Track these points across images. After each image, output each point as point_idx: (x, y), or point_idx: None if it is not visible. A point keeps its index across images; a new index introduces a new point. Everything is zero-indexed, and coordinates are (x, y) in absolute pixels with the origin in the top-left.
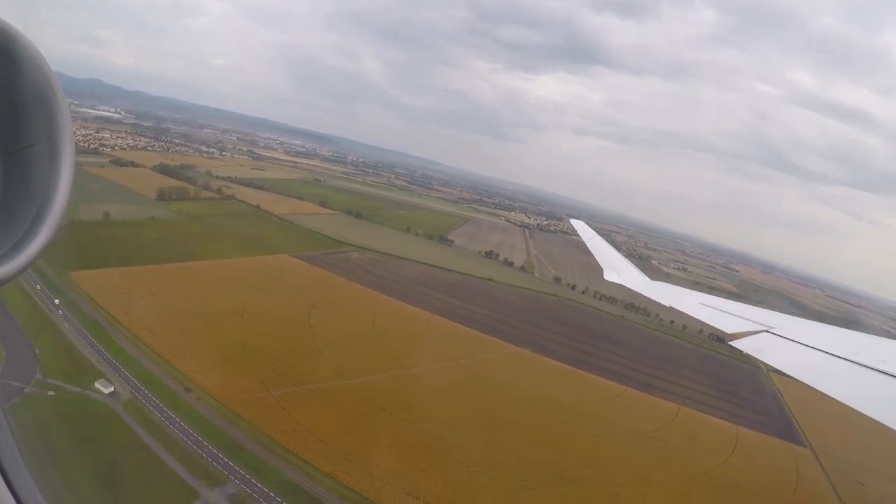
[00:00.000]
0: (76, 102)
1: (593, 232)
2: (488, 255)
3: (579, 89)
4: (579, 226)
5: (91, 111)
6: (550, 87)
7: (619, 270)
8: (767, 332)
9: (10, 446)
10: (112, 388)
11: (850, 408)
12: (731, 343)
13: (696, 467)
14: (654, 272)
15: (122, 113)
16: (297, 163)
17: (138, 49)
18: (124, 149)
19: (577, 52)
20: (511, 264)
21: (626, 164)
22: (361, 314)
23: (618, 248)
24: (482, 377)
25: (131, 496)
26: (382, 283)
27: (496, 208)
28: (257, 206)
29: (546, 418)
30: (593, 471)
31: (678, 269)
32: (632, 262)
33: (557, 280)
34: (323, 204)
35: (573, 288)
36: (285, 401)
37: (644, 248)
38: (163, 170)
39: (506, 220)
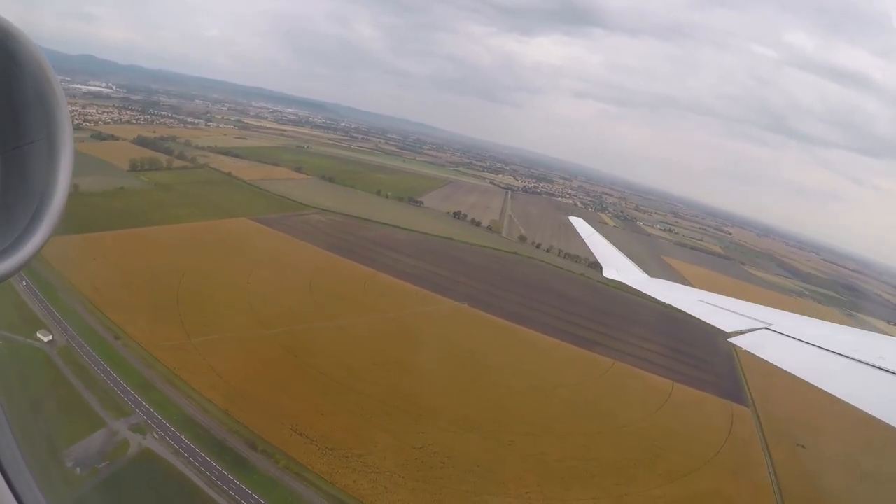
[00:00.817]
0: (68, 79)
1: (592, 229)
2: (456, 215)
3: (577, 52)
4: (578, 223)
5: (82, 87)
6: (548, 49)
7: (617, 267)
8: (766, 328)
9: (9, 445)
10: (51, 337)
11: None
12: (729, 340)
13: (610, 421)
14: (638, 233)
15: (114, 87)
16: (284, 131)
17: (132, 23)
18: (108, 123)
19: (572, 14)
20: (478, 224)
21: (627, 127)
22: (303, 272)
23: (605, 209)
24: (408, 330)
25: (50, 424)
26: (335, 243)
27: (484, 171)
28: (229, 174)
29: (460, 369)
30: (493, 420)
31: (665, 230)
32: (619, 224)
33: (522, 239)
34: (298, 169)
35: (538, 247)
36: (203, 347)
37: (633, 210)
38: (141, 142)
39: (491, 182)
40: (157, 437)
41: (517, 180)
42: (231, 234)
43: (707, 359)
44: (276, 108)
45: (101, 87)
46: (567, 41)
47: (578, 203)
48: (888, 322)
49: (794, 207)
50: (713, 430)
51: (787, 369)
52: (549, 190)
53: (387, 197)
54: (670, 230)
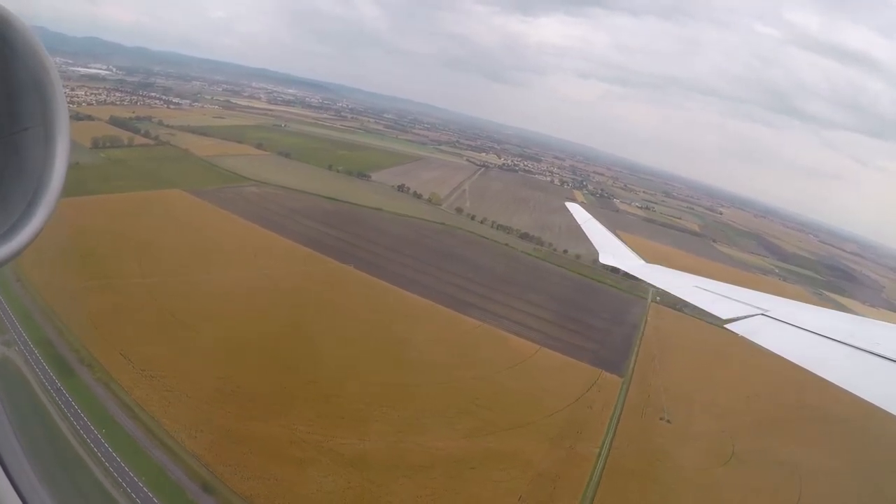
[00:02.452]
0: (70, 61)
1: (589, 215)
2: (400, 188)
3: (580, 32)
4: (574, 209)
5: (81, 69)
6: (552, 29)
7: (614, 253)
8: (762, 315)
9: (12, 445)
10: None
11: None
12: (725, 326)
13: (436, 375)
14: (606, 209)
15: (113, 70)
16: (271, 111)
17: (139, 5)
18: (92, 104)
19: None
20: (419, 196)
21: (632, 107)
22: (204, 233)
23: (583, 187)
24: (277, 285)
25: None
26: (253, 211)
27: (469, 149)
28: (186, 150)
29: (306, 318)
30: (306, 361)
31: (642, 207)
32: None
33: (459, 211)
34: (259, 146)
35: (473, 218)
36: (82, 291)
37: (619, 189)
38: (115, 122)
39: (468, 160)
40: (17, 350)
41: (501, 158)
42: (157, 203)
43: (602, 329)
44: (274, 89)
45: (100, 69)
46: (570, 21)
47: (556, 181)
48: (863, 303)
49: (800, 189)
50: (559, 395)
51: (782, 355)
52: (533, 168)
53: (337, 171)
54: (648, 208)
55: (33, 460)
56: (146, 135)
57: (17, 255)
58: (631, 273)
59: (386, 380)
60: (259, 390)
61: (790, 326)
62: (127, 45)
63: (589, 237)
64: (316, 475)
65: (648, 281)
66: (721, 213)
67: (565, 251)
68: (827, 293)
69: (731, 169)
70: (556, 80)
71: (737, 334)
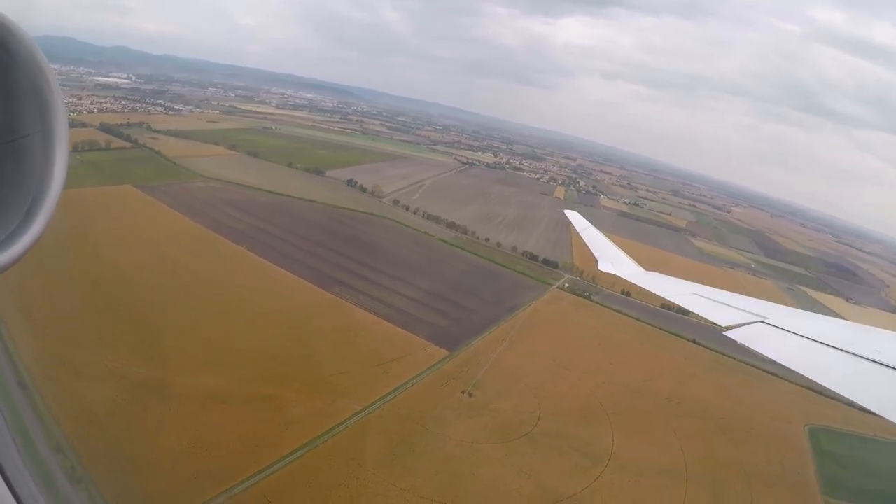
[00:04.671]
0: (92, 71)
1: (587, 223)
2: (349, 182)
3: (603, 32)
4: (574, 217)
5: (100, 79)
6: (575, 30)
7: (613, 261)
8: (762, 322)
9: (9, 446)
10: None
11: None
12: (724, 333)
13: (260, 337)
14: (581, 204)
15: (133, 78)
16: (272, 114)
17: (168, 14)
18: (93, 112)
19: None
20: (364, 190)
21: (660, 109)
22: (125, 220)
23: (572, 185)
24: (162, 260)
25: None
26: (184, 201)
27: (466, 149)
28: (157, 152)
29: (170, 287)
30: (120, 306)
31: (630, 204)
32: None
33: (395, 203)
34: (232, 147)
35: (407, 209)
36: None
37: (620, 187)
38: (103, 128)
39: (455, 158)
40: None
41: (497, 157)
42: (101, 196)
43: (470, 309)
44: (292, 94)
45: (119, 78)
46: (592, 22)
47: (545, 179)
48: (847, 300)
49: (831, 190)
50: (364, 360)
51: (782, 362)
52: (528, 167)
53: (295, 168)
54: (637, 204)
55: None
56: (127, 139)
57: (16, 261)
58: (629, 280)
59: (209, 336)
60: (98, 331)
61: (790, 334)
62: (154, 54)
63: (587, 245)
64: (100, 387)
65: (646, 288)
66: (729, 212)
67: (487, 239)
68: (803, 288)
69: (762, 170)
70: (583, 81)
71: (641, 326)
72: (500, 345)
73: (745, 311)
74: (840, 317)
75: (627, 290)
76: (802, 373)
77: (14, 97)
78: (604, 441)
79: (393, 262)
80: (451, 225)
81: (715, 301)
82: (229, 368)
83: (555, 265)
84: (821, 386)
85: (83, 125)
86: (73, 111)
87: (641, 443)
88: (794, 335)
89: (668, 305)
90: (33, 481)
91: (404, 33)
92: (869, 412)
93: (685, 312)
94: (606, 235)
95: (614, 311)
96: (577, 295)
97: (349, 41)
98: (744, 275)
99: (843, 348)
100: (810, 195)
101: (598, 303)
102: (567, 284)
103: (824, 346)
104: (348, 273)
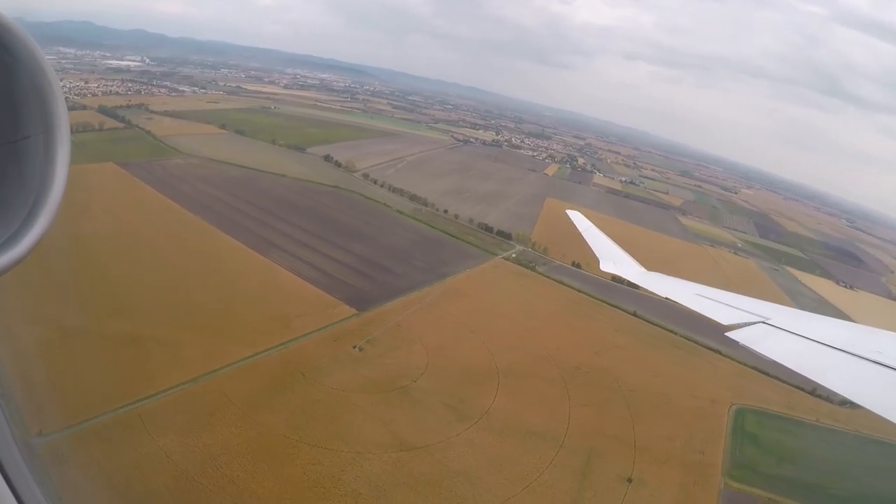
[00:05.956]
0: (107, 55)
1: (590, 223)
2: (326, 158)
3: (623, 12)
4: (576, 217)
5: (112, 62)
6: (594, 10)
7: (615, 261)
8: (763, 322)
9: (10, 446)
10: None
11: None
12: (726, 334)
13: (179, 292)
14: (570, 181)
15: (147, 61)
16: (277, 94)
17: None
18: (96, 95)
19: None
20: (339, 165)
21: (681, 89)
22: (98, 193)
23: (568, 163)
24: (118, 225)
25: None
26: (158, 176)
27: (468, 127)
28: (148, 132)
29: (119, 249)
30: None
31: (626, 182)
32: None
33: (366, 176)
34: (222, 126)
35: (375, 182)
36: None
37: (624, 167)
38: (102, 110)
39: (452, 136)
40: None
41: (498, 135)
42: (81, 172)
43: (399, 274)
44: (305, 75)
45: (133, 61)
46: (612, 1)
47: (542, 156)
48: (837, 282)
49: (852, 175)
50: (275, 315)
51: (784, 363)
52: (529, 145)
53: (277, 145)
54: (633, 183)
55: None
56: (122, 120)
57: (19, 261)
58: (632, 281)
59: (139, 290)
60: (42, 283)
61: (792, 335)
62: (172, 37)
63: (590, 245)
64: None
65: (648, 288)
66: (737, 194)
67: (446, 211)
68: (790, 269)
69: (783, 153)
70: (603, 62)
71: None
72: (411, 307)
73: (747, 311)
74: (821, 298)
75: (578, 263)
76: (804, 374)
77: (15, 98)
78: (482, 401)
79: (339, 230)
80: (413, 198)
81: (717, 301)
82: (148, 316)
83: (508, 237)
84: (770, 368)
85: (84, 108)
86: (78, 94)
87: (525, 406)
88: (795, 336)
89: (619, 279)
90: (33, 481)
91: (425, 13)
92: (856, 408)
93: (635, 287)
94: (580, 210)
95: (555, 281)
96: (521, 265)
97: (370, 21)
98: (723, 253)
99: (845, 349)
100: (831, 180)
101: (541, 273)
102: (514, 255)
103: (826, 348)
104: (291, 240)
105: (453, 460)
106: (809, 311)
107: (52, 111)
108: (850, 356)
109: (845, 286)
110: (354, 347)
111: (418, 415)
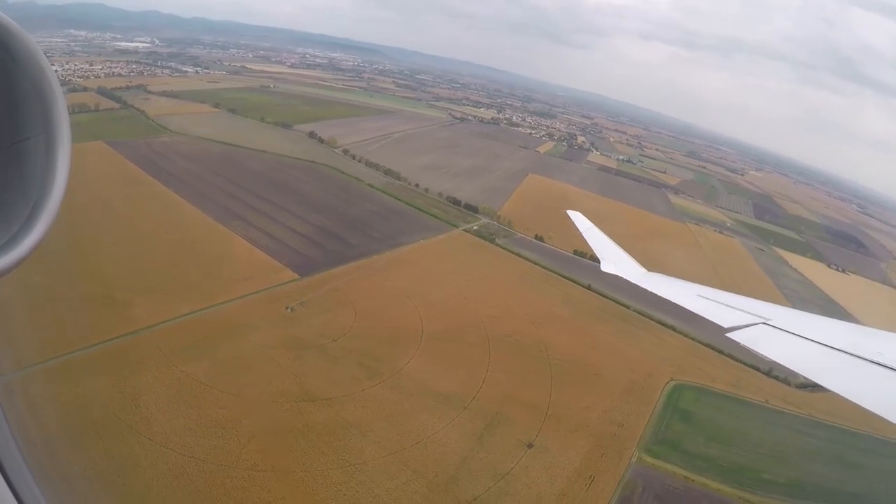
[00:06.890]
0: (118, 36)
1: (591, 224)
2: (311, 135)
3: None
4: (577, 218)
5: (121, 44)
6: None
7: (615, 262)
8: (764, 323)
9: (10, 446)
10: None
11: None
12: (727, 335)
13: (141, 259)
14: (566, 158)
15: (156, 42)
16: (279, 74)
17: None
18: (98, 77)
19: None
20: (322, 141)
21: (699, 72)
22: (80, 170)
23: (566, 141)
24: (93, 198)
25: None
26: (141, 153)
27: (469, 105)
28: (142, 111)
29: (89, 217)
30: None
31: (624, 161)
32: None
33: (346, 152)
34: (216, 105)
35: (353, 157)
36: None
37: (626, 146)
38: (101, 91)
39: (450, 114)
40: None
41: (499, 113)
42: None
43: (354, 245)
44: (312, 53)
45: (141, 42)
46: None
47: (539, 135)
48: (829, 265)
49: (870, 161)
50: (217, 278)
51: (785, 364)
52: (530, 123)
53: (266, 123)
54: (630, 161)
55: (32, 461)
56: (118, 101)
57: (20, 263)
58: (632, 281)
59: (103, 256)
60: None
61: (792, 335)
62: (184, 17)
63: (591, 245)
64: None
65: (649, 289)
66: (742, 175)
67: (417, 185)
68: (778, 249)
69: (798, 137)
70: (619, 42)
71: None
72: (353, 274)
73: (748, 312)
74: (804, 279)
75: (541, 236)
76: (804, 374)
77: (16, 99)
78: (397, 362)
79: (304, 203)
80: (388, 172)
81: (718, 302)
82: (105, 279)
83: (475, 210)
84: (724, 345)
85: (84, 90)
86: (80, 76)
87: (440, 369)
88: (796, 336)
89: (581, 252)
90: (34, 481)
91: None
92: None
93: (597, 260)
94: (558, 185)
95: (512, 253)
96: (481, 237)
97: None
98: (706, 231)
99: (846, 350)
100: (847, 164)
101: (500, 245)
102: (475, 228)
103: (827, 348)
104: (253, 211)
105: (351, 413)
106: (788, 291)
107: (52, 112)
108: (850, 357)
109: (836, 269)
110: (287, 308)
111: (330, 371)
